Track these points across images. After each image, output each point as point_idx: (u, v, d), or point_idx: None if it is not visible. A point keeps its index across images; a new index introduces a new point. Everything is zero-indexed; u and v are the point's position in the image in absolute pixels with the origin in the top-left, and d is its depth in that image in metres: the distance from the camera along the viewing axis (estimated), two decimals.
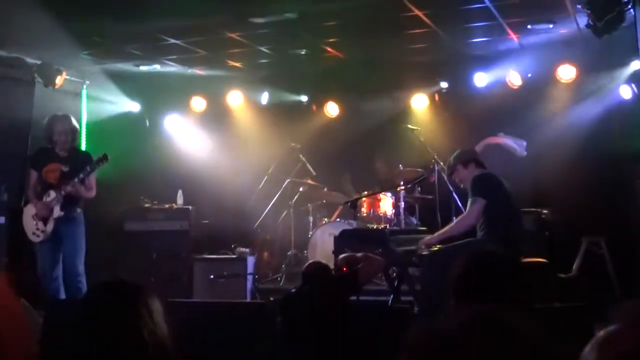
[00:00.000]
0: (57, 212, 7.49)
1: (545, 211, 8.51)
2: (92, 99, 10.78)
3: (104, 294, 2.52)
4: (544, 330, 1.09)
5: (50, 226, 7.50)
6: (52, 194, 7.50)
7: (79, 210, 7.72)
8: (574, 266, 8.42)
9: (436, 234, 6.67)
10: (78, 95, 10.70)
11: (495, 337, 1.04)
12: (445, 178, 8.47)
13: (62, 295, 7.54)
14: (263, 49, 9.29)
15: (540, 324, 1.22)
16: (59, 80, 9.61)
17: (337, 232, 7.17)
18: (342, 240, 6.59)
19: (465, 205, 6.83)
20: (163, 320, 2.48)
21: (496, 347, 1.03)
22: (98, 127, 10.65)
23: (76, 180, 7.41)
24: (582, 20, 7.70)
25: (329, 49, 9.34)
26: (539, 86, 9.56)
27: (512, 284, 2.62)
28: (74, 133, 7.75)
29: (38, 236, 7.56)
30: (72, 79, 10.37)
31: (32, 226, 7.57)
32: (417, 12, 7.71)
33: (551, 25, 8.30)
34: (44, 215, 7.52)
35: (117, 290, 2.51)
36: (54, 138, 7.65)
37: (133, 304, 2.43)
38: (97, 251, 8.40)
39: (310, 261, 5.24)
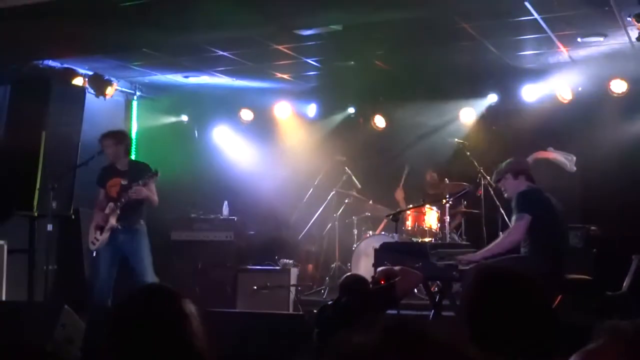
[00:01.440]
0: (111, 223, 7.68)
1: (593, 227, 8.34)
2: (142, 110, 10.97)
3: (142, 300, 2.52)
4: (459, 336, 1.05)
5: (105, 236, 7.69)
6: (111, 206, 7.72)
7: (141, 222, 7.90)
8: (624, 284, 8.21)
9: (480, 252, 6.56)
10: (128, 105, 10.90)
11: (402, 345, 1.01)
12: (491, 190, 8.35)
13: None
14: (310, 61, 9.33)
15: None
16: (109, 91, 9.80)
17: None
18: (382, 254, 6.53)
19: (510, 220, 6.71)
20: (201, 328, 2.47)
21: (405, 355, 1.00)
22: (147, 138, 10.82)
23: (134, 187, 7.62)
24: (634, 34, 7.57)
25: (376, 61, 9.32)
26: (589, 100, 9.38)
27: (525, 303, 2.46)
28: (118, 146, 7.89)
29: (94, 244, 7.80)
30: (123, 89, 10.58)
31: (92, 235, 7.83)
32: (464, 24, 7.65)
33: (602, 39, 8.14)
34: (101, 225, 7.76)
35: (155, 296, 2.51)
36: (106, 152, 7.90)
37: (171, 310, 2.43)
38: None
39: (348, 273, 5.22)
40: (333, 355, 1.05)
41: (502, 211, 8.56)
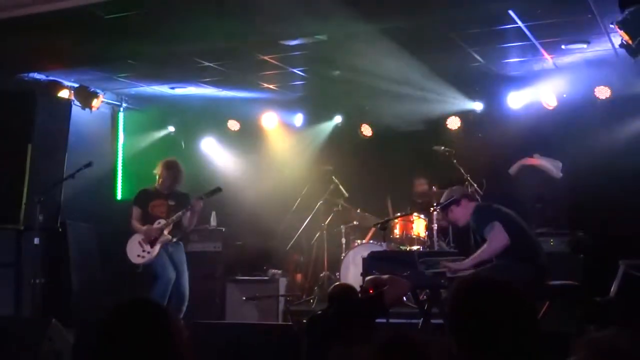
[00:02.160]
0: (166, 235, 8.21)
1: (580, 233, 8.38)
2: (129, 121, 10.94)
3: (126, 314, 2.52)
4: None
5: (157, 248, 8.18)
6: (162, 221, 8.24)
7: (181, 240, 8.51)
8: (612, 290, 8.25)
9: (467, 260, 6.55)
10: (115, 117, 10.88)
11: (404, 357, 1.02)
12: (479, 198, 8.38)
13: None
14: (296, 70, 9.34)
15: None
16: (95, 103, 9.79)
17: None
18: (371, 262, 6.54)
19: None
20: (188, 343, 2.47)
21: None
22: (134, 149, 10.80)
23: (193, 202, 8.28)
24: (617, 40, 7.62)
25: (362, 71, 9.33)
26: (574, 107, 9.43)
27: (505, 310, 2.47)
28: (179, 179, 8.52)
29: (143, 257, 8.20)
30: (109, 101, 10.56)
31: (137, 250, 8.25)
32: (449, 33, 7.70)
33: (586, 45, 8.21)
34: (153, 238, 8.20)
35: (142, 311, 2.51)
36: (163, 182, 8.45)
37: (158, 325, 2.43)
38: (130, 271, 8.49)
39: (337, 283, 5.24)
40: None
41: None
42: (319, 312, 4.78)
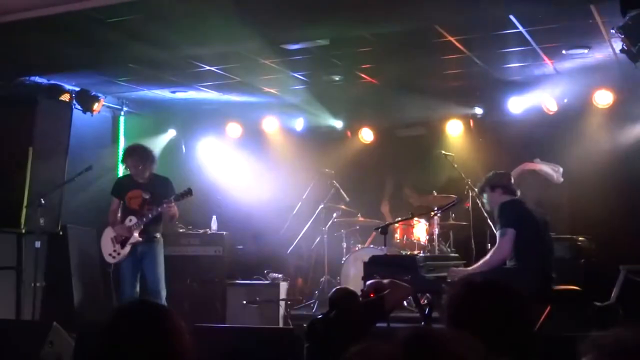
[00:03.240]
0: (135, 237, 7.77)
1: (581, 238, 8.37)
2: (130, 125, 10.95)
3: (127, 316, 2.51)
4: (482, 350, 1.06)
5: (127, 249, 7.79)
6: (134, 219, 7.80)
7: (158, 234, 7.99)
8: (612, 295, 8.24)
9: (469, 269, 6.57)
10: (116, 121, 10.88)
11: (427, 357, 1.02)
12: (479, 202, 8.38)
13: None
14: (297, 75, 9.35)
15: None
16: (96, 107, 9.79)
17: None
18: (372, 267, 6.54)
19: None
20: (190, 344, 2.46)
21: None
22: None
23: (163, 206, 7.67)
24: (618, 46, 7.63)
25: (363, 75, 9.36)
26: (575, 112, 9.45)
27: (508, 315, 2.51)
28: (145, 162, 7.91)
29: (114, 257, 7.86)
30: (110, 105, 10.57)
31: (110, 248, 7.89)
32: (449, 37, 7.70)
33: (586, 51, 8.21)
34: (123, 238, 7.81)
35: (140, 312, 2.51)
36: (130, 171, 7.96)
37: (159, 326, 2.42)
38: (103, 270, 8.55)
39: (338, 287, 5.22)
40: None
41: (490, 222, 8.59)
42: (320, 316, 4.76)
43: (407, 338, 1.03)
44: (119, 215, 7.99)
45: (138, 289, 7.89)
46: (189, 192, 7.81)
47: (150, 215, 7.73)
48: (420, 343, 1.02)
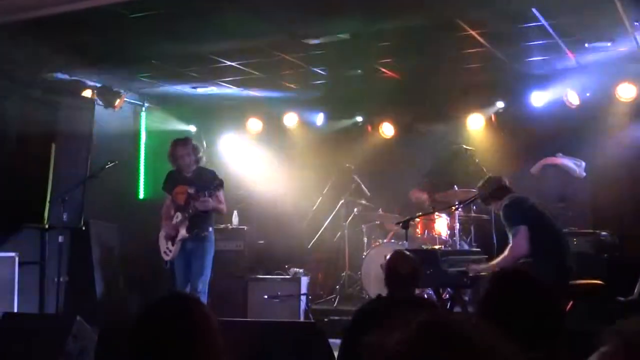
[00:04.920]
0: (182, 234, 7.70)
1: (604, 233, 8.31)
2: (151, 121, 11.00)
3: (157, 308, 2.51)
4: (498, 337, 1.05)
5: (177, 247, 7.73)
6: (179, 215, 7.74)
7: (210, 229, 7.90)
8: (636, 290, 8.17)
9: (487, 265, 6.53)
10: (137, 116, 10.94)
11: (444, 345, 1.01)
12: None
13: None
14: (318, 70, 9.34)
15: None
16: (118, 103, 9.85)
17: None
18: None
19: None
20: (218, 335, 2.46)
21: (446, 356, 1.00)
22: (156, 148, 10.84)
23: (201, 198, 7.59)
24: None
25: (384, 70, 9.34)
26: (598, 105, 9.35)
27: (536, 305, 2.54)
28: (196, 154, 7.89)
29: (167, 255, 7.85)
30: (131, 101, 10.63)
31: (163, 245, 7.88)
32: (471, 31, 7.66)
33: (609, 44, 8.14)
34: (171, 236, 7.79)
35: (170, 305, 2.50)
36: (180, 161, 7.87)
37: (186, 317, 2.42)
38: (155, 269, 8.57)
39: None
40: (368, 355, 1.05)
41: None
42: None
43: (421, 323, 1.03)
44: (171, 211, 7.91)
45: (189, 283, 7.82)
46: (219, 184, 7.67)
47: (191, 211, 7.65)
48: (436, 328, 1.01)
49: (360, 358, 1.18)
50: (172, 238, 7.79)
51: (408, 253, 4.92)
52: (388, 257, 4.72)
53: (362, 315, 4.48)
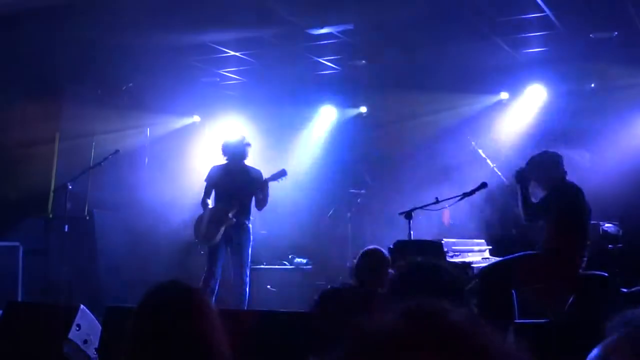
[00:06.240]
0: (230, 219, 7.76)
1: (608, 224, 8.29)
2: (154, 111, 10.99)
3: (157, 296, 2.51)
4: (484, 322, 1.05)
5: (222, 230, 7.78)
6: (231, 202, 7.82)
7: (250, 219, 8.04)
8: None
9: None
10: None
11: (441, 336, 1.01)
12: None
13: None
14: (321, 60, 9.33)
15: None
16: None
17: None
18: (397, 252, 6.53)
19: None
20: (219, 322, 2.47)
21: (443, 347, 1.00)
22: (160, 138, 10.86)
23: (251, 192, 7.84)
24: None
25: (386, 60, 9.32)
26: (602, 96, 9.32)
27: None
28: (246, 152, 8.07)
29: (209, 239, 7.85)
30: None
31: (204, 229, 7.88)
32: (473, 21, 7.64)
33: (614, 34, 8.11)
34: (219, 220, 7.81)
35: (170, 293, 2.51)
36: (228, 157, 8.02)
37: (186, 306, 2.43)
38: (156, 259, 8.57)
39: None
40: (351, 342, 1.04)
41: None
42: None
43: (407, 309, 1.02)
44: (211, 200, 8.06)
45: (219, 277, 7.96)
46: (283, 173, 8.01)
47: (240, 200, 7.82)
48: (422, 314, 1.01)
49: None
50: (219, 222, 7.85)
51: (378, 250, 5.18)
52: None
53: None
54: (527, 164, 6.61)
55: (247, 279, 7.86)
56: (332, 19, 7.65)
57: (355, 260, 5.21)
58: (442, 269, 2.82)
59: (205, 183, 8.14)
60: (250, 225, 8.04)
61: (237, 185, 7.86)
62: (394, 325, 0.98)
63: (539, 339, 4.94)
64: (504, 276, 5.86)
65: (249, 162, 8.14)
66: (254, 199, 7.95)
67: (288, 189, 10.53)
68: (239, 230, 7.87)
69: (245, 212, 7.95)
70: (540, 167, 6.50)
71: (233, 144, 8.06)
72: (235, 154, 7.99)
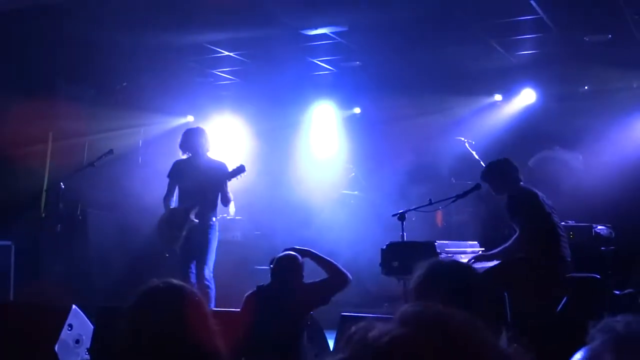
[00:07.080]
0: (191, 221, 7.48)
1: (600, 226, 8.31)
2: (148, 111, 10.98)
3: (148, 297, 2.50)
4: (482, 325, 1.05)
5: (184, 232, 7.48)
6: (189, 202, 7.53)
7: (214, 219, 7.74)
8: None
9: (491, 252, 6.53)
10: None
11: (449, 343, 1.01)
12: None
13: None
14: (316, 60, 9.33)
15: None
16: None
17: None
18: (390, 253, 6.53)
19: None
20: (211, 321, 2.47)
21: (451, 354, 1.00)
22: (153, 138, 10.84)
23: (215, 188, 7.48)
24: None
25: (381, 61, 9.32)
26: (595, 98, 9.35)
27: (473, 297, 2.56)
28: (205, 145, 7.75)
29: (172, 244, 7.59)
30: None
31: (167, 234, 7.60)
32: (467, 23, 7.66)
33: (609, 37, 8.13)
34: (181, 223, 7.53)
35: (162, 293, 2.50)
36: (187, 151, 7.73)
37: (177, 306, 2.42)
38: (148, 259, 8.54)
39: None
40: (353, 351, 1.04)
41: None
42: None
43: (405, 314, 1.02)
44: (175, 198, 7.76)
45: (193, 276, 7.60)
46: (241, 170, 7.50)
47: (201, 198, 7.47)
48: (420, 319, 1.01)
49: None
50: (180, 224, 7.54)
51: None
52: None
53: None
54: (480, 174, 6.73)
55: (211, 280, 7.55)
56: (326, 20, 7.65)
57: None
58: (469, 269, 2.82)
59: (168, 180, 7.85)
60: (217, 223, 7.73)
61: (199, 182, 7.50)
62: (396, 332, 0.98)
63: (532, 341, 4.94)
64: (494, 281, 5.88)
65: (212, 155, 7.79)
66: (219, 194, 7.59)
67: (281, 189, 10.57)
68: (201, 231, 7.54)
69: (209, 210, 7.59)
70: (489, 176, 6.66)
71: (191, 138, 7.74)
72: (196, 147, 7.67)
